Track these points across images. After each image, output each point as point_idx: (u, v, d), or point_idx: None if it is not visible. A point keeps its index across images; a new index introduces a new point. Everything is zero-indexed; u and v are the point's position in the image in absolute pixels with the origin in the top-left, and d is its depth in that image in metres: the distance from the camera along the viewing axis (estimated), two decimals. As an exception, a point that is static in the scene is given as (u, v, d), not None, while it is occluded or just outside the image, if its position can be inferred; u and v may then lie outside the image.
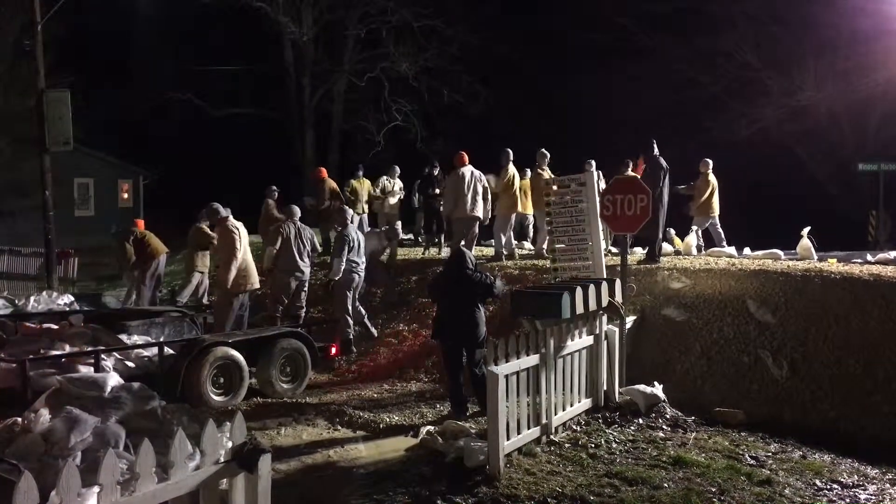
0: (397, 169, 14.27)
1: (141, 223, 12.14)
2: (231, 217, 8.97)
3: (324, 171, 13.23)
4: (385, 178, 13.97)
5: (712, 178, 11.71)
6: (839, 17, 20.52)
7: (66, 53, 18.78)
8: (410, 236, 14.85)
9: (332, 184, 13.00)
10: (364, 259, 9.72)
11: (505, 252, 11.47)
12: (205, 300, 11.60)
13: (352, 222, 10.04)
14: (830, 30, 20.62)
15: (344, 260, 9.27)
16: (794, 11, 20.83)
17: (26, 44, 13.89)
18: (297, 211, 9.93)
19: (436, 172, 13.46)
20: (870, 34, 19.95)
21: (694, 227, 11.61)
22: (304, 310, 9.92)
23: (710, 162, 11.76)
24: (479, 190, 10.84)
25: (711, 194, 11.66)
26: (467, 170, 10.80)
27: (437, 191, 12.90)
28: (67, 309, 9.43)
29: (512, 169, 11.61)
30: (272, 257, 9.45)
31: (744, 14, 21.47)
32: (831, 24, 20.61)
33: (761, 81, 21.51)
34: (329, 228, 12.15)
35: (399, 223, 13.23)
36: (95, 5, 25.36)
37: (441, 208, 12.71)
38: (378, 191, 13.76)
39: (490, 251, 12.15)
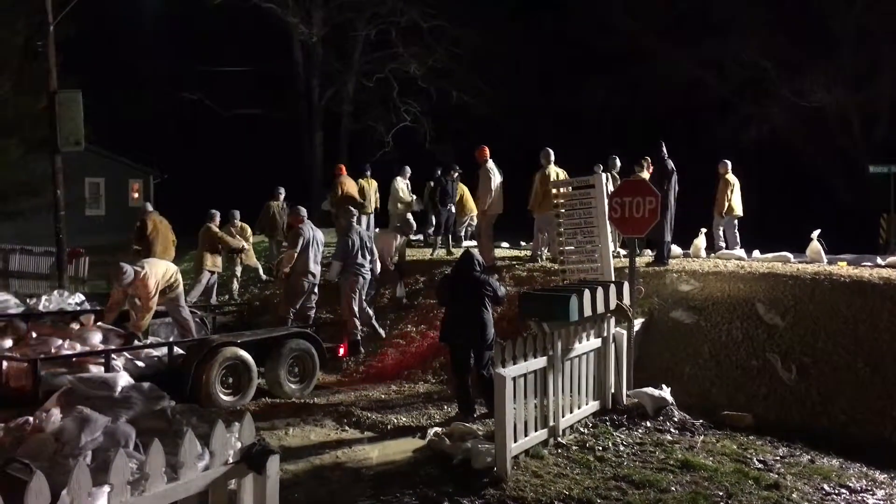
0: (408, 170, 14.25)
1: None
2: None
3: (342, 167, 13.20)
4: (399, 179, 13.93)
5: (731, 177, 11.71)
6: (848, 17, 20.44)
7: (78, 53, 18.88)
8: (421, 237, 14.87)
9: (348, 183, 12.90)
10: (369, 260, 9.69)
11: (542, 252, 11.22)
12: (213, 300, 11.67)
13: (358, 223, 10.04)
14: (840, 30, 20.54)
15: (341, 262, 9.28)
16: (802, 13, 20.76)
17: (38, 44, 13.95)
18: (305, 212, 9.93)
19: (455, 175, 13.39)
20: (880, 34, 19.86)
21: (703, 229, 11.58)
22: (315, 311, 9.93)
23: (728, 163, 11.77)
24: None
25: (731, 194, 11.67)
26: (492, 164, 10.79)
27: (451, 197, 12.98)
28: (78, 308, 9.48)
29: (552, 168, 10.98)
30: (292, 260, 9.39)
31: (752, 16, 21.41)
32: (840, 25, 20.54)
33: (770, 83, 21.43)
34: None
35: (411, 217, 13.10)
36: (107, 6, 25.51)
37: (451, 208, 12.81)
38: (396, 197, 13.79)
39: (506, 252, 12.19)
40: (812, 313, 7.86)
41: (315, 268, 9.57)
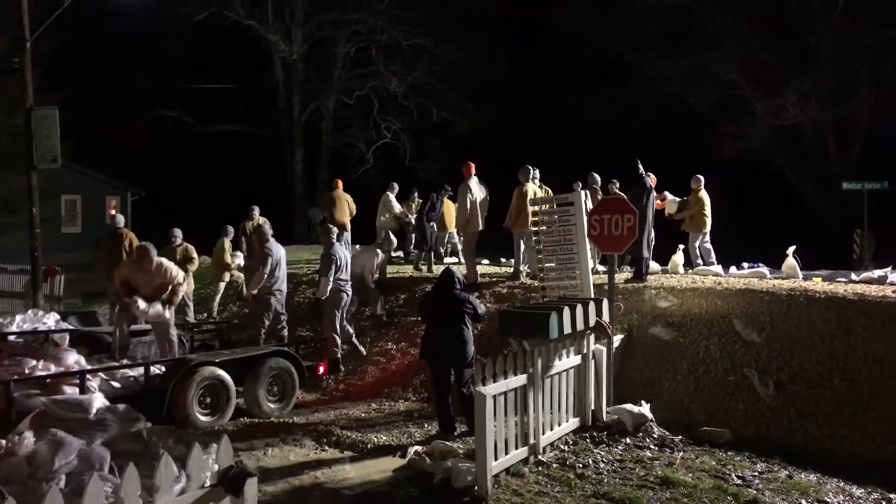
0: (396, 186, 14.44)
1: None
2: None
3: (339, 182, 13.28)
4: (389, 193, 14.13)
5: (704, 194, 11.78)
6: (823, 37, 20.88)
7: (55, 70, 18.75)
8: (400, 254, 14.87)
9: (336, 197, 12.89)
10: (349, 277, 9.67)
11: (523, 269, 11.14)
12: (189, 318, 11.55)
13: (338, 240, 10.03)
14: (815, 49, 20.96)
15: (331, 279, 9.26)
16: (778, 31, 21.17)
17: (15, 61, 13.84)
18: (270, 231, 9.92)
19: (445, 195, 13.46)
20: (854, 53, 20.28)
21: (681, 246, 11.69)
22: (286, 329, 9.87)
23: (702, 178, 11.86)
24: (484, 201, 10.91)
25: (702, 210, 11.75)
26: (475, 182, 10.81)
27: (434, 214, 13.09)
28: (53, 328, 9.35)
29: (530, 185, 10.99)
30: (262, 280, 9.32)
31: (729, 34, 21.79)
32: (815, 44, 20.96)
33: (746, 101, 21.78)
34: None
35: (391, 233, 13.18)
36: (85, 22, 25.35)
37: (434, 226, 12.87)
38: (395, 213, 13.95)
39: (486, 269, 12.19)
40: (788, 329, 7.95)
41: (283, 286, 9.56)
